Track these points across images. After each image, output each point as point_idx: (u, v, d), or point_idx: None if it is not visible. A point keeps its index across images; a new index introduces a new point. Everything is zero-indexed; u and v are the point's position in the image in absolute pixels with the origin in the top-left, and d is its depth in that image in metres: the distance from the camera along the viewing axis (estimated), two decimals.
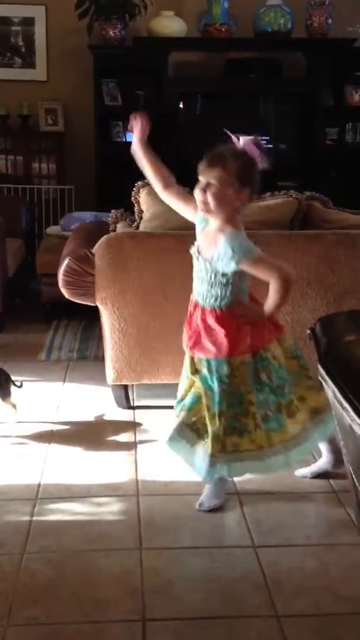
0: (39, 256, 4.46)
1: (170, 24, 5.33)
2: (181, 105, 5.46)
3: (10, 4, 5.46)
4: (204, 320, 2.27)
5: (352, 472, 0.74)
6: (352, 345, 0.72)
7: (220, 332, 2.23)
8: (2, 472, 2.56)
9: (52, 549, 2.10)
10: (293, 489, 2.46)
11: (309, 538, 2.18)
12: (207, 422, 2.25)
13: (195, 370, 2.30)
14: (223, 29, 5.35)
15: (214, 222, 2.20)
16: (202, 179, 2.16)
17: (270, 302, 2.21)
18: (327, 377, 0.70)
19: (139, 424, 2.97)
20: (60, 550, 2.10)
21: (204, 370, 2.26)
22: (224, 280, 2.21)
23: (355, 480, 0.73)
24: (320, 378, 0.74)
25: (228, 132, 2.22)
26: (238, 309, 2.24)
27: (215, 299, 2.24)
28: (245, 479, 2.50)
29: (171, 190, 2.39)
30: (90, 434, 2.88)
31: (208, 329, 2.25)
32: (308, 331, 0.79)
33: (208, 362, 2.25)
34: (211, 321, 2.24)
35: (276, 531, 2.20)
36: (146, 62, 5.38)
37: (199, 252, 2.26)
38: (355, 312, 0.78)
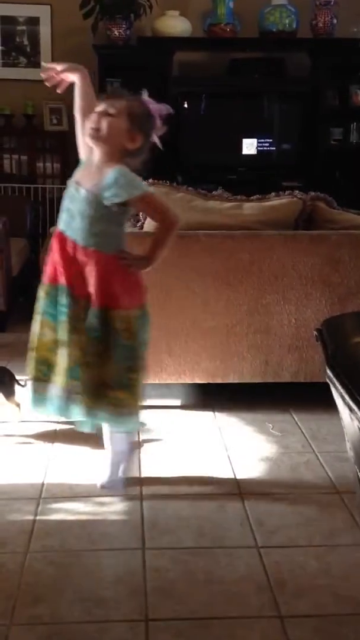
0: (43, 256, 4.44)
1: (175, 24, 5.33)
2: (185, 105, 5.45)
3: (15, 3, 5.47)
4: (94, 263, 2.17)
5: (359, 474, 0.74)
6: (359, 347, 0.72)
7: (113, 280, 2.18)
8: (5, 472, 2.57)
9: (55, 549, 2.10)
10: (296, 489, 2.46)
11: (312, 539, 2.18)
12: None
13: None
14: (228, 29, 5.35)
15: (99, 155, 2.17)
16: (100, 107, 2.15)
17: (153, 245, 2.21)
18: (334, 379, 0.70)
19: (143, 424, 2.97)
20: (63, 550, 2.10)
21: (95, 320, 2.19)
22: (108, 215, 2.15)
23: None
24: (327, 380, 0.73)
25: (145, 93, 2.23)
26: (121, 254, 2.20)
27: (98, 238, 2.16)
28: (247, 478, 2.50)
29: (84, 113, 2.28)
30: (94, 434, 2.87)
31: (100, 274, 2.17)
32: (315, 332, 0.79)
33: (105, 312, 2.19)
34: (98, 266, 2.17)
35: (279, 532, 2.20)
36: (151, 61, 5.38)
37: (77, 184, 2.19)
38: None
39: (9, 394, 2.91)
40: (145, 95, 2.21)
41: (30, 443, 2.80)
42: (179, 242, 2.93)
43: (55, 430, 2.90)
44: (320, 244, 2.99)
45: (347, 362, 0.71)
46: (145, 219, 3.09)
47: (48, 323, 2.26)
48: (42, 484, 2.46)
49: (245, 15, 5.43)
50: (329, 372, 0.70)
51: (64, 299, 2.21)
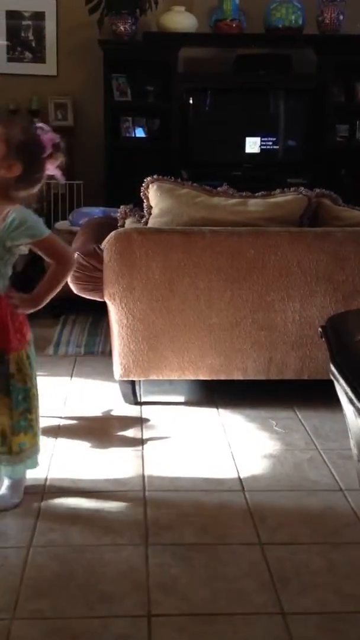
0: None
1: (180, 20, 5.32)
2: (191, 101, 5.44)
3: None
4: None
5: None
6: None
7: (5, 321, 2.17)
8: None
9: (58, 544, 2.11)
10: (299, 486, 2.46)
11: (315, 536, 2.17)
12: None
13: None
14: (234, 25, 5.34)
15: None
16: None
17: (45, 284, 2.21)
18: (339, 376, 0.70)
19: (146, 420, 2.97)
20: (66, 545, 2.10)
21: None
22: (7, 257, 2.13)
23: None
24: (331, 377, 0.73)
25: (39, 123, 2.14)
26: (11, 293, 2.19)
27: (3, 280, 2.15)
28: (250, 475, 2.50)
29: None
30: (97, 430, 2.88)
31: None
32: (319, 329, 0.78)
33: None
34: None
35: (282, 529, 2.20)
36: (156, 57, 5.37)
37: None
38: None
39: None
40: (37, 124, 2.12)
41: None
42: (184, 238, 2.93)
43: (59, 425, 2.91)
44: (325, 241, 2.97)
45: (351, 360, 0.71)
46: (149, 216, 3.09)
47: None
48: (45, 479, 2.46)
49: (251, 11, 5.41)
50: (333, 369, 0.70)
51: None
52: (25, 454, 2.28)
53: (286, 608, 1.85)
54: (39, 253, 2.18)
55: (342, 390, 0.70)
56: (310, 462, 2.63)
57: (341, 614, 1.84)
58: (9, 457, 2.25)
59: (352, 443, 0.76)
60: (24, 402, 2.24)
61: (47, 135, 2.08)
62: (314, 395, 3.08)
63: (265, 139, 5.50)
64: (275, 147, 5.54)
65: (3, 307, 2.17)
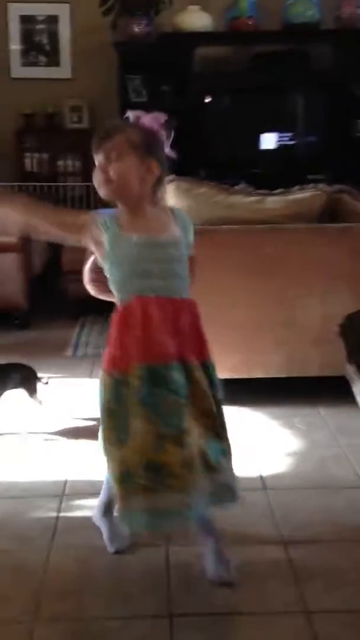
0: (64, 254, 4.47)
1: (195, 19, 5.30)
2: (207, 101, 5.42)
3: (34, 2, 5.49)
4: (192, 315, 1.91)
5: None
6: None
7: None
8: (29, 469, 2.56)
9: (78, 545, 2.09)
10: (323, 484, 2.42)
11: (340, 534, 2.13)
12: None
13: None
14: (250, 22, 5.30)
15: (129, 205, 1.87)
16: (99, 158, 1.83)
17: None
18: (356, 373, 0.67)
19: None
20: (86, 546, 2.08)
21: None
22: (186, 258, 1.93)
23: None
24: (347, 376, 0.70)
25: (129, 113, 1.93)
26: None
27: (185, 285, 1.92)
28: (273, 474, 2.47)
29: (36, 213, 1.96)
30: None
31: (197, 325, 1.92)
32: (337, 327, 0.75)
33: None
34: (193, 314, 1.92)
35: (305, 527, 2.16)
36: (171, 57, 5.35)
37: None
38: None
39: (32, 391, 2.90)
40: (131, 115, 1.92)
41: (53, 440, 2.79)
42: (203, 237, 2.89)
43: (79, 427, 2.89)
44: (345, 237, 2.94)
45: None
46: None
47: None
48: (65, 481, 2.45)
49: (268, 7, 5.37)
50: (348, 368, 0.67)
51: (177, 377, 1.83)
52: None
53: (310, 607, 1.81)
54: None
55: (358, 388, 0.67)
56: (334, 459, 2.59)
57: None
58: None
59: None
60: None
61: (148, 120, 1.89)
62: (337, 392, 3.03)
63: (283, 135, 5.46)
64: (293, 143, 5.50)
65: (195, 312, 1.93)
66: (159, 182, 1.89)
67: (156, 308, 1.84)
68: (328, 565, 1.98)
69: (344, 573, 1.95)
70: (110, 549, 2.04)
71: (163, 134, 1.90)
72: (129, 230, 1.86)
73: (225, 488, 1.87)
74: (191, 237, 1.95)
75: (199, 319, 1.91)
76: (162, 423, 1.78)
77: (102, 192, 1.87)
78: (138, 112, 1.92)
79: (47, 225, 1.93)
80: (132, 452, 1.80)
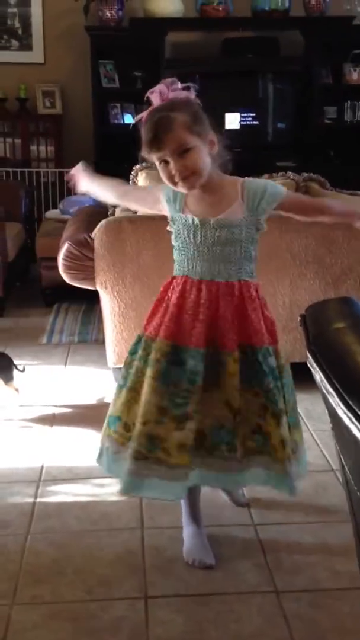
0: (38, 240, 4.48)
1: (166, 4, 5.31)
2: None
3: None
4: (241, 299, 1.87)
5: (343, 463, 0.77)
6: (340, 332, 0.74)
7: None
8: (5, 455, 2.60)
9: (55, 530, 2.14)
10: None
11: (308, 515, 2.22)
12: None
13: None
14: (220, 9, 5.33)
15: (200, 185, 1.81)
16: (163, 153, 1.77)
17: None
18: (314, 364, 0.73)
19: None
20: (63, 531, 2.14)
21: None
22: (256, 237, 1.88)
23: (344, 464, 0.75)
24: (308, 364, 0.76)
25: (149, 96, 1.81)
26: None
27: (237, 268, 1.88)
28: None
29: (126, 195, 2.12)
30: (92, 417, 2.91)
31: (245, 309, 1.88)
32: (299, 318, 0.81)
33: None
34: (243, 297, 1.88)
35: (275, 509, 2.24)
36: (143, 43, 5.36)
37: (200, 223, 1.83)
38: (346, 299, 0.80)
39: (8, 378, 2.94)
40: (156, 96, 1.79)
41: (29, 427, 2.83)
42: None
43: (54, 413, 2.94)
44: (314, 225, 2.99)
45: (325, 347, 0.74)
46: None
47: None
48: (42, 467, 2.50)
49: None
50: (309, 357, 0.73)
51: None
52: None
53: (280, 587, 1.89)
54: (291, 215, 1.96)
55: (317, 377, 0.73)
56: None
57: (334, 591, 1.88)
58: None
59: (333, 433, 0.79)
60: (293, 394, 2.00)
61: (171, 92, 1.79)
62: (305, 378, 3.10)
63: (251, 120, 5.50)
64: (263, 129, 5.55)
65: (247, 295, 1.87)
66: (220, 152, 1.83)
67: (195, 291, 1.85)
68: (296, 546, 2.06)
69: (312, 553, 2.03)
70: (189, 561, 1.99)
71: (193, 95, 1.81)
72: (191, 208, 1.85)
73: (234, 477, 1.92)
74: (265, 205, 1.82)
75: (249, 302, 1.86)
76: (169, 400, 1.84)
77: (181, 188, 1.81)
78: (159, 88, 1.79)
79: (131, 203, 2.15)
80: (130, 411, 1.92)
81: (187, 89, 1.82)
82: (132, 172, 3.11)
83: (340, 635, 1.73)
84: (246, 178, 1.89)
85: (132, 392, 1.93)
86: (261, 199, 1.82)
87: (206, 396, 1.85)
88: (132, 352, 1.96)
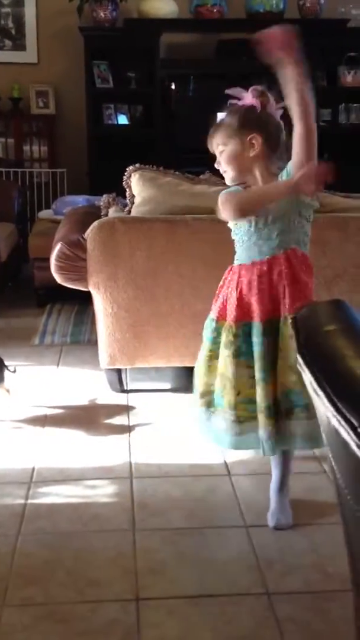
0: (31, 240, 4.47)
1: (161, 5, 5.31)
2: (173, 87, 5.44)
3: None
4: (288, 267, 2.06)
5: (333, 466, 0.76)
6: (330, 335, 0.74)
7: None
8: None
9: (47, 531, 2.14)
10: None
11: (300, 517, 2.21)
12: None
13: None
14: (215, 10, 5.33)
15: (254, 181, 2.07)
16: (212, 151, 2.11)
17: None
18: (304, 366, 0.73)
19: (132, 407, 3.00)
20: (55, 532, 2.13)
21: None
22: (307, 214, 2.10)
23: (334, 467, 0.75)
24: (298, 367, 0.76)
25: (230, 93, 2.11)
26: None
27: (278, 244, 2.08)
28: (236, 460, 2.54)
29: None
30: (84, 418, 2.91)
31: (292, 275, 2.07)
32: (290, 320, 0.81)
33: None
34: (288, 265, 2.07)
35: (266, 511, 2.23)
36: (137, 43, 5.36)
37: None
38: (338, 302, 0.79)
39: (0, 380, 2.93)
40: (242, 96, 2.10)
41: (21, 428, 2.82)
42: (167, 226, 2.94)
43: (46, 415, 2.93)
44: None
45: (315, 349, 0.73)
46: (132, 205, 3.09)
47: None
48: (33, 468, 2.49)
49: None
50: (299, 359, 0.73)
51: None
52: None
53: (271, 588, 1.89)
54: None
55: (307, 380, 0.73)
56: None
57: (326, 593, 1.88)
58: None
59: (323, 435, 0.79)
60: None
61: (243, 98, 2.10)
62: None
63: None
64: None
65: (292, 263, 2.06)
66: (270, 151, 2.04)
67: (247, 273, 2.08)
68: (288, 548, 2.06)
69: (303, 555, 2.03)
70: (271, 523, 2.15)
71: (261, 104, 2.07)
72: None
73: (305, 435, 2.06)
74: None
75: (295, 269, 2.04)
76: (253, 369, 2.05)
77: (226, 180, 2.10)
78: (236, 92, 2.12)
79: None
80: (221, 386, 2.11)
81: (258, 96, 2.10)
82: (125, 174, 3.10)
83: (332, 637, 1.73)
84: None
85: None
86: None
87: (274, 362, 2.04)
88: (207, 337, 2.20)
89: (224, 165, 2.07)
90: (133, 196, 3.10)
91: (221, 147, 2.06)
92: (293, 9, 5.38)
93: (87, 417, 2.92)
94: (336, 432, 0.65)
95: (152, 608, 1.82)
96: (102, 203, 3.39)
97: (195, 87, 5.52)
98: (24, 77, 5.53)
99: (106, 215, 3.21)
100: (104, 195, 3.40)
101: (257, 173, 2.05)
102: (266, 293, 2.05)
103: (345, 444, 0.64)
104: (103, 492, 2.35)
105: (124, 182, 3.11)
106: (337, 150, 5.59)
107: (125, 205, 3.18)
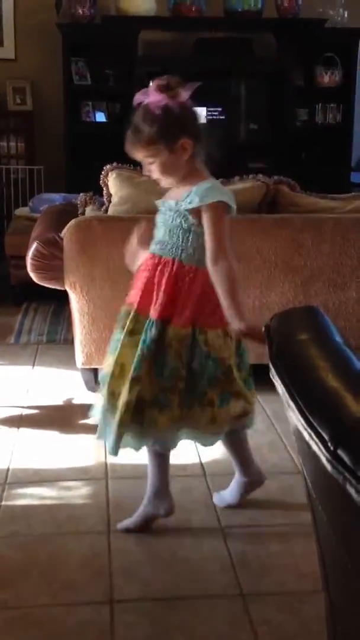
0: (7, 238, 4.43)
1: (139, 3, 5.28)
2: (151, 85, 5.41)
3: None
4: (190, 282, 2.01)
5: (305, 476, 0.77)
6: (302, 344, 0.74)
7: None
8: None
9: (21, 533, 2.12)
10: None
11: (274, 518, 2.22)
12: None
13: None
14: (193, 8, 5.31)
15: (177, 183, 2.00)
16: (137, 156, 1.99)
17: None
18: (276, 376, 0.73)
19: None
20: (29, 534, 2.12)
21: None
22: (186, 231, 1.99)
23: (306, 477, 0.75)
24: (271, 376, 0.76)
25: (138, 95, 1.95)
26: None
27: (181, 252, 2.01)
28: (211, 460, 2.54)
29: None
30: (60, 418, 2.89)
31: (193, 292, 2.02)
32: (263, 328, 0.81)
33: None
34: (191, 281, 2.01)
35: (242, 512, 2.25)
36: (116, 40, 5.32)
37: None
38: (311, 309, 0.79)
39: None
40: (147, 94, 1.92)
41: None
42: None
43: (21, 415, 2.91)
44: (284, 228, 3.01)
45: (287, 359, 0.73)
46: (109, 204, 3.08)
47: None
48: (8, 469, 2.47)
49: None
50: (272, 369, 0.72)
51: None
52: None
53: (246, 590, 1.89)
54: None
55: (279, 389, 0.73)
56: (270, 445, 2.68)
57: (299, 594, 1.89)
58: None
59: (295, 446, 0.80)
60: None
61: (151, 97, 1.91)
62: None
63: (218, 114, 5.50)
64: (235, 130, 5.56)
65: (195, 279, 2.00)
66: (199, 144, 1.96)
67: (152, 265, 2.02)
68: (262, 550, 2.07)
69: (278, 557, 2.04)
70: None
71: (171, 98, 1.90)
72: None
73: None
74: (188, 206, 1.93)
75: (197, 286, 1.97)
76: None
77: (163, 184, 2.03)
78: (140, 96, 1.93)
79: None
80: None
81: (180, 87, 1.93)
82: (102, 173, 3.08)
83: (305, 638, 1.74)
84: (213, 181, 2.00)
85: None
86: (192, 200, 1.94)
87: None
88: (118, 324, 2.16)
89: (157, 175, 1.97)
90: (110, 195, 3.08)
91: (150, 159, 1.95)
92: (271, 8, 5.38)
93: (63, 418, 2.90)
94: (307, 445, 0.65)
95: (126, 610, 1.82)
96: (79, 201, 3.38)
97: None
98: (1, 73, 5.47)
99: (83, 213, 3.20)
100: (81, 194, 3.38)
101: (187, 171, 1.97)
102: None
103: (316, 457, 0.64)
104: (78, 493, 2.34)
105: (100, 182, 3.10)
106: (314, 150, 5.62)
107: (102, 204, 3.16)
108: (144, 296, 2.02)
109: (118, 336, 2.09)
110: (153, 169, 1.96)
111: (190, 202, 1.94)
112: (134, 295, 2.07)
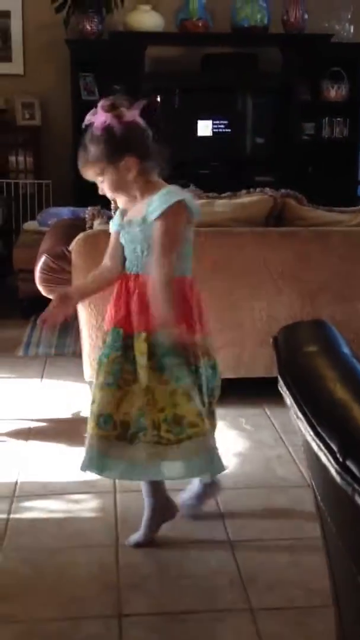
0: (16, 252, 4.46)
1: (147, 19, 5.33)
2: (158, 100, 5.45)
3: None
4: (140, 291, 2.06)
5: (314, 488, 0.77)
6: (310, 356, 0.74)
7: None
8: None
9: (29, 547, 2.12)
10: (267, 483, 2.50)
11: (282, 532, 2.22)
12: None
13: None
14: (200, 24, 5.36)
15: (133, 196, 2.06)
16: (88, 179, 2.08)
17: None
18: (284, 388, 0.73)
19: None
20: (37, 548, 2.11)
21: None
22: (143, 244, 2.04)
23: (315, 490, 0.75)
24: (279, 388, 0.76)
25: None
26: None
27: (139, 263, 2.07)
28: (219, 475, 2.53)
29: (110, 259, 2.17)
30: (68, 431, 2.89)
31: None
32: (271, 340, 0.81)
33: None
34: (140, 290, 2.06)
35: (250, 526, 2.24)
36: (123, 56, 5.37)
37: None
38: (319, 322, 0.80)
39: None
40: (95, 114, 1.98)
41: (4, 441, 2.80)
42: None
43: (30, 428, 2.91)
44: (290, 240, 3.02)
45: (296, 371, 0.74)
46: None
47: None
48: (16, 482, 2.47)
49: (217, 10, 5.45)
50: (280, 380, 0.73)
51: None
52: None
53: (254, 604, 1.88)
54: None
55: (288, 401, 0.73)
56: (279, 458, 2.67)
57: (308, 609, 1.88)
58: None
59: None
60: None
61: (97, 118, 1.97)
62: None
63: (224, 127, 5.53)
64: (242, 143, 5.59)
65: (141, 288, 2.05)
66: (146, 161, 2.01)
67: (123, 283, 2.07)
68: (271, 564, 2.06)
69: (286, 571, 2.03)
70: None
71: (116, 118, 1.95)
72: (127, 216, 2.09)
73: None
74: (152, 217, 1.97)
75: (144, 295, 2.02)
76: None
77: (119, 204, 2.14)
78: (90, 116, 2.01)
79: (117, 257, 2.14)
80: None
81: (133, 105, 1.99)
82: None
83: None
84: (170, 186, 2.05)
85: None
86: (153, 211, 1.96)
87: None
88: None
89: (109, 192, 2.06)
90: (117, 209, 3.09)
91: (100, 178, 2.02)
92: (277, 24, 5.42)
93: (71, 431, 2.90)
94: (316, 457, 0.65)
95: (134, 624, 1.81)
96: (87, 215, 3.39)
97: (181, 100, 5.54)
98: (10, 88, 5.52)
99: (91, 227, 3.21)
100: (89, 208, 3.39)
101: (142, 186, 2.02)
102: None
103: (325, 468, 0.64)
104: (86, 506, 2.34)
105: (99, 190, 3.11)
106: (320, 164, 5.64)
107: (110, 217, 3.18)
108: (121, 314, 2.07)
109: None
110: (105, 187, 2.04)
111: (154, 209, 1.97)
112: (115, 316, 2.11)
